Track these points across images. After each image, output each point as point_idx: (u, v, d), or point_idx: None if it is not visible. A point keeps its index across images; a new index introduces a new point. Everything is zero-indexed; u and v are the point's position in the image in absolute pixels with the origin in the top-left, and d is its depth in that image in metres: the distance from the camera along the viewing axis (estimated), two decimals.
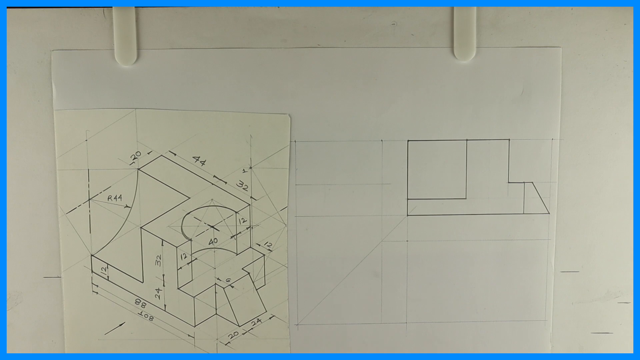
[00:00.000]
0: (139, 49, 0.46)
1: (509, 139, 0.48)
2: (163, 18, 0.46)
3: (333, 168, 0.48)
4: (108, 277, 0.48)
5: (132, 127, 0.47)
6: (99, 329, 0.49)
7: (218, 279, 0.49)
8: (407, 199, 0.48)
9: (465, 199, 0.48)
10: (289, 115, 0.47)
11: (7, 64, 0.46)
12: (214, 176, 0.48)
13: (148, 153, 0.47)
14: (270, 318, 0.49)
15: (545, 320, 0.50)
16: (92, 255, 0.48)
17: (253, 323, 0.49)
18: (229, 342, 0.49)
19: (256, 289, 0.49)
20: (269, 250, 0.48)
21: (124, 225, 0.48)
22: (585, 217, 0.49)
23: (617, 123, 0.48)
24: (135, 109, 0.47)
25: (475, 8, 0.46)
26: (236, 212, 0.48)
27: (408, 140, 0.48)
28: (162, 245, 0.48)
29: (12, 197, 0.47)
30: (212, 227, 0.48)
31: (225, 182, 0.48)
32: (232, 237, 0.48)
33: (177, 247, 0.48)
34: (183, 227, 0.48)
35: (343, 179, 0.48)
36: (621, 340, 0.50)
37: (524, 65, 0.47)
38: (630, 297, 0.49)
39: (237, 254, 0.48)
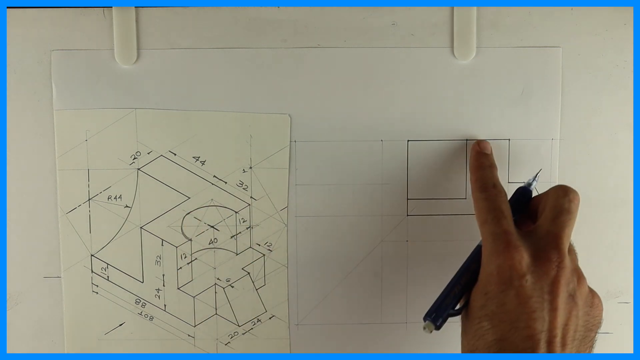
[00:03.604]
0: (139, 49, 0.46)
1: (509, 139, 0.48)
2: (163, 18, 0.46)
3: (333, 168, 0.48)
4: (108, 277, 0.48)
5: (132, 127, 0.47)
6: (99, 329, 0.49)
7: (218, 279, 0.49)
8: (407, 199, 0.48)
9: (465, 199, 0.48)
10: (289, 115, 0.47)
11: (7, 64, 0.46)
12: (214, 176, 0.48)
13: (148, 153, 0.47)
14: (270, 318, 0.49)
15: None
16: (92, 255, 0.48)
17: (253, 323, 0.49)
18: (229, 342, 0.49)
19: (256, 289, 0.49)
20: (269, 250, 0.48)
21: (124, 225, 0.48)
22: (585, 217, 0.49)
23: (617, 123, 0.48)
24: (135, 109, 0.47)
25: (475, 8, 0.46)
26: (236, 212, 0.48)
27: (408, 140, 0.48)
28: (162, 245, 0.48)
29: (12, 197, 0.47)
30: (212, 227, 0.48)
31: (225, 182, 0.48)
32: (232, 237, 0.48)
33: (177, 247, 0.48)
34: (183, 227, 0.48)
35: (343, 179, 0.48)
36: (621, 340, 0.50)
37: (524, 65, 0.47)
38: (630, 297, 0.49)
39: (237, 254, 0.48)
